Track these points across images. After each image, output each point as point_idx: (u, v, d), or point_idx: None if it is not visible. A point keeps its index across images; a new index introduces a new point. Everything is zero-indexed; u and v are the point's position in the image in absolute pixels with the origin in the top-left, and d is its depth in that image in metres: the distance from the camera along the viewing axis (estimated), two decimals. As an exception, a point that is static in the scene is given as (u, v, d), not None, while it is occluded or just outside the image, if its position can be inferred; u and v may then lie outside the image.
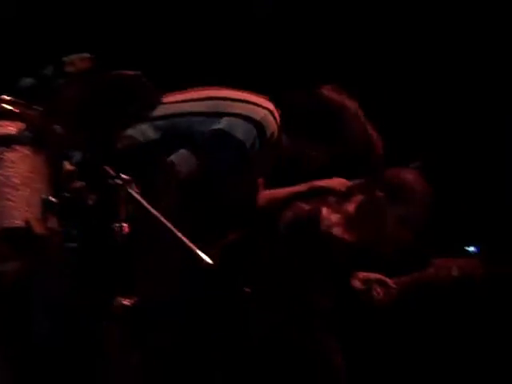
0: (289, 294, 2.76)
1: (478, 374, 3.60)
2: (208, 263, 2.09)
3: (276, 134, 2.59)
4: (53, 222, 2.09)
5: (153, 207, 2.08)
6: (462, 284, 2.97)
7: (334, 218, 2.75)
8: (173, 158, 2.48)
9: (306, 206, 2.74)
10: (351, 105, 2.62)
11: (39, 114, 2.05)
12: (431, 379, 3.59)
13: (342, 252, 2.77)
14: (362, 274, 2.95)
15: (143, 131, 2.54)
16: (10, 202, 2.04)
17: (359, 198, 2.79)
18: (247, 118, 2.54)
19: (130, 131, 2.50)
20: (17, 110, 2.10)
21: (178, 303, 2.56)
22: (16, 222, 2.04)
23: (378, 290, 2.91)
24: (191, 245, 2.12)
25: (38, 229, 2.03)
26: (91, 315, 2.42)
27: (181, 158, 2.49)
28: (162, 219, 2.13)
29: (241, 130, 2.51)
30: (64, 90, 2.06)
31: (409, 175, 2.78)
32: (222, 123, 2.52)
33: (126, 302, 2.12)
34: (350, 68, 3.58)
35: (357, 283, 2.90)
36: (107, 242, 2.11)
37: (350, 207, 2.77)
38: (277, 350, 2.70)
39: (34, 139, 2.08)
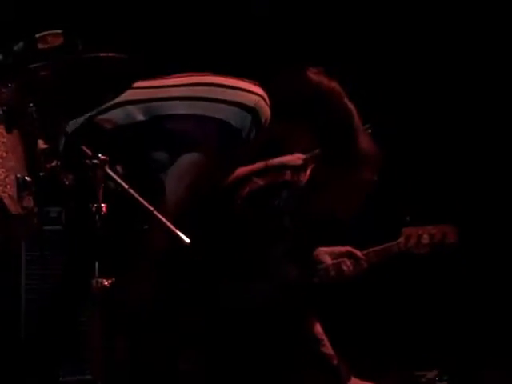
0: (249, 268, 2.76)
1: (451, 343, 3.64)
2: (186, 242, 2.09)
3: (268, 118, 2.58)
4: (28, 201, 2.07)
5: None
6: (434, 252, 2.98)
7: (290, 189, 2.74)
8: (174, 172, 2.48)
9: (261, 181, 2.74)
10: (336, 88, 2.61)
11: (12, 92, 2.01)
12: (405, 351, 3.62)
13: (298, 225, 2.77)
14: (330, 248, 2.95)
15: (129, 113, 2.53)
16: (-16, 181, 2.02)
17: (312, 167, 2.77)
18: (241, 106, 2.53)
19: (115, 112, 2.49)
20: (-12, 88, 2.07)
21: (157, 284, 2.55)
22: (-11, 201, 2.01)
23: (348, 263, 2.91)
24: (170, 224, 2.12)
25: (12, 208, 2.00)
26: (71, 296, 2.41)
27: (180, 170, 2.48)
28: (140, 198, 2.12)
29: (237, 119, 2.51)
30: (37, 67, 2.02)
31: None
32: (217, 111, 2.52)
33: (105, 283, 2.11)
34: (347, 60, 3.60)
35: (325, 257, 2.90)
36: (85, 223, 2.09)
37: (304, 177, 2.73)
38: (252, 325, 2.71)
39: (7, 117, 2.04)
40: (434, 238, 3.00)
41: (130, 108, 2.50)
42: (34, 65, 2.03)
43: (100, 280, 2.13)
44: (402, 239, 2.97)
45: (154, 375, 2.59)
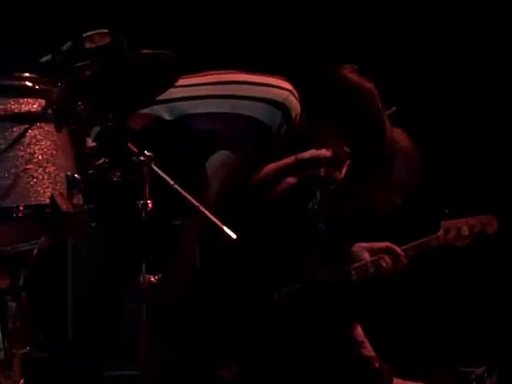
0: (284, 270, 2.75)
1: (489, 331, 3.58)
2: (232, 237, 2.09)
3: (299, 113, 2.57)
4: (78, 199, 2.09)
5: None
6: (474, 244, 2.93)
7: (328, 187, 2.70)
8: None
9: (292, 180, 2.71)
10: (369, 88, 2.58)
11: (61, 91, 2.04)
12: (444, 343, 3.57)
13: (335, 225, 2.74)
14: (369, 244, 2.92)
15: (156, 112, 2.53)
16: (35, 179, 2.02)
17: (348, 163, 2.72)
18: (271, 101, 2.51)
19: (143, 111, 2.49)
20: (38, 87, 2.07)
21: (201, 279, 2.56)
22: (41, 198, 2.02)
23: (387, 259, 2.87)
24: (216, 220, 2.12)
25: (63, 206, 2.02)
26: (118, 292, 2.43)
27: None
28: (186, 194, 2.13)
29: (266, 115, 2.49)
30: (84, 67, 2.05)
31: (396, 136, 2.70)
32: (245, 108, 2.50)
33: (152, 279, 2.12)
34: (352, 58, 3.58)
35: (364, 254, 2.87)
36: (132, 219, 2.11)
37: (339, 175, 2.67)
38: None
39: (57, 116, 2.07)
40: (473, 230, 2.97)
41: (156, 108, 2.51)
42: (82, 63, 2.05)
43: (147, 276, 2.15)
44: (441, 232, 2.96)
45: (193, 374, 2.60)
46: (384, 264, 2.85)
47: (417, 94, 3.67)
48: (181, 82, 2.50)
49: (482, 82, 3.77)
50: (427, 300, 3.73)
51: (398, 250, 2.90)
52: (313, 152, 2.66)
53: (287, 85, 2.57)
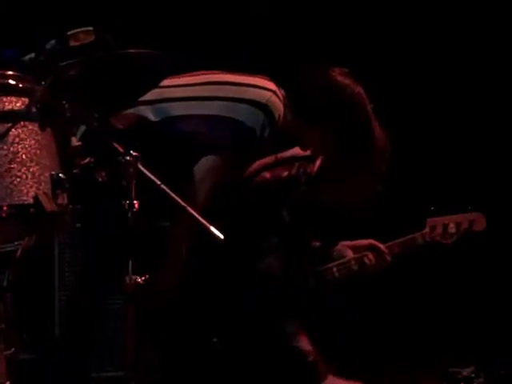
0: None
1: (476, 331, 3.58)
2: (219, 237, 2.09)
3: (282, 114, 2.56)
4: (62, 199, 2.07)
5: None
6: (462, 241, 2.91)
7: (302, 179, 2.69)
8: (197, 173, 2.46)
9: (267, 175, 2.69)
10: (361, 93, 2.57)
11: (44, 90, 2.02)
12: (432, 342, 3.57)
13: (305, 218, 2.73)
14: (353, 242, 2.90)
15: (142, 113, 2.51)
16: (19, 179, 2.01)
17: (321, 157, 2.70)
18: (253, 103, 2.51)
19: (128, 111, 2.48)
20: (22, 86, 2.07)
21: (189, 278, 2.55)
22: (24, 198, 2.01)
23: (370, 256, 2.85)
24: (202, 219, 2.12)
25: (47, 205, 2.00)
26: (104, 293, 2.42)
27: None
28: (173, 194, 2.12)
29: (251, 117, 2.49)
30: (68, 65, 2.03)
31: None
32: (229, 110, 2.50)
33: (139, 280, 2.11)
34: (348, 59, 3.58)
35: (347, 251, 2.85)
36: (118, 219, 2.09)
37: (314, 168, 2.67)
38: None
39: (41, 115, 2.05)
40: (460, 227, 2.94)
41: (142, 108, 2.50)
42: (66, 62, 2.04)
43: (133, 277, 2.14)
44: (426, 229, 2.91)
45: (183, 373, 2.59)
46: (367, 261, 2.83)
47: (403, 91, 3.67)
48: (165, 82, 2.49)
49: (467, 77, 3.78)
50: (415, 300, 3.73)
51: (382, 247, 2.87)
52: (293, 151, 2.68)
53: (270, 85, 2.57)
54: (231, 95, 2.52)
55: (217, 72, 2.63)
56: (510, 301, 3.61)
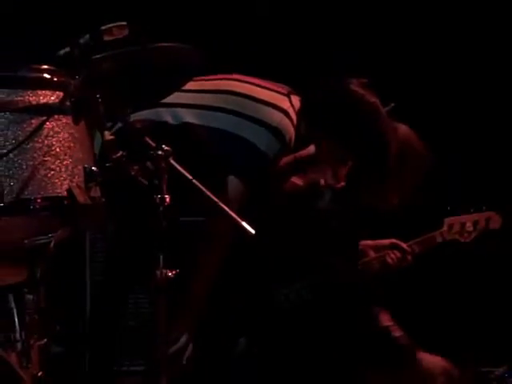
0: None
1: (509, 330, 3.54)
2: (251, 233, 2.09)
3: (293, 136, 2.55)
4: (95, 192, 2.09)
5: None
6: (479, 240, 2.92)
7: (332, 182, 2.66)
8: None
9: (299, 181, 2.66)
10: (374, 102, 2.54)
11: (78, 84, 2.03)
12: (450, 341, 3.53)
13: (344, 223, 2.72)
14: (375, 241, 2.90)
15: (161, 115, 2.51)
16: (52, 172, 2.02)
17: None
18: (266, 125, 2.49)
19: (145, 113, 2.47)
20: (56, 80, 2.08)
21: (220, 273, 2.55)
22: (58, 190, 2.02)
23: (392, 255, 2.86)
24: (235, 215, 2.12)
25: (80, 198, 2.02)
26: (133, 287, 2.43)
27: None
28: (205, 190, 2.12)
29: (264, 141, 2.47)
30: (102, 60, 2.04)
31: (401, 130, 2.66)
32: (242, 129, 2.48)
33: (170, 274, 2.12)
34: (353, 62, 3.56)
35: (369, 251, 2.85)
36: (150, 214, 2.10)
37: (344, 171, 2.63)
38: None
39: (75, 109, 2.07)
40: (477, 225, 2.98)
41: (161, 110, 2.51)
42: (100, 56, 2.05)
43: (164, 271, 2.14)
44: (445, 228, 2.97)
45: (209, 373, 2.59)
46: (390, 260, 2.85)
47: (422, 91, 3.65)
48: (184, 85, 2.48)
49: (484, 77, 3.74)
50: (447, 298, 3.71)
51: (404, 245, 2.89)
52: (310, 149, 2.64)
53: (284, 102, 2.54)
54: (245, 111, 2.50)
55: (234, 77, 2.61)
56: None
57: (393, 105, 2.62)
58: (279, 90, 2.62)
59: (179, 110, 2.55)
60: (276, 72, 2.66)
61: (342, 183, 2.58)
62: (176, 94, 2.46)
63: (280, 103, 2.55)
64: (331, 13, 3.78)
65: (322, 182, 2.61)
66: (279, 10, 3.78)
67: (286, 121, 2.53)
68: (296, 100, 2.62)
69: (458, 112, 3.81)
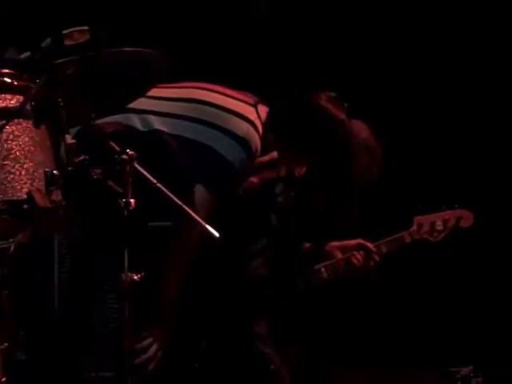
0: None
1: (475, 330, 3.55)
2: (215, 236, 2.10)
3: (259, 145, 2.58)
4: (56, 195, 2.09)
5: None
6: (450, 238, 2.90)
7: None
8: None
9: (255, 179, 2.68)
10: (342, 119, 2.55)
11: (39, 87, 2.03)
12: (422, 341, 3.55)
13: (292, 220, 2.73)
14: (341, 242, 2.89)
15: (131, 120, 2.52)
16: (12, 175, 2.03)
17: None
18: (232, 135, 2.52)
19: (116, 117, 2.47)
20: (17, 83, 2.08)
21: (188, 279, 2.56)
22: (18, 194, 2.03)
23: (358, 256, 2.84)
24: (198, 218, 2.13)
25: (40, 201, 2.02)
26: (98, 292, 2.43)
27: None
28: (169, 193, 2.13)
29: (230, 151, 2.50)
30: (63, 64, 2.04)
31: (356, 128, 2.65)
32: (212, 140, 2.50)
33: (135, 277, 2.12)
34: (347, 69, 3.58)
35: (335, 252, 2.84)
36: (114, 217, 2.11)
37: (300, 172, 2.63)
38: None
39: (35, 112, 2.07)
40: (447, 224, 2.93)
41: (131, 115, 2.52)
42: (61, 60, 2.05)
43: (129, 274, 2.14)
44: (414, 227, 2.91)
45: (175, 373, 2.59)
46: (355, 261, 2.82)
47: (394, 90, 3.67)
48: (154, 92, 2.48)
49: (452, 72, 3.76)
50: (413, 299, 3.71)
51: (370, 246, 2.87)
52: (272, 155, 2.66)
53: (251, 112, 2.57)
54: (213, 121, 2.52)
55: (203, 86, 2.62)
56: (509, 300, 3.59)
57: (346, 105, 2.64)
58: (246, 99, 2.64)
59: (149, 116, 2.57)
60: (246, 80, 2.69)
61: (301, 172, 2.58)
62: (145, 100, 2.49)
63: (247, 113, 2.58)
64: (313, 22, 3.82)
65: (283, 172, 2.63)
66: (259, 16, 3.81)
67: (252, 131, 2.56)
68: (263, 110, 2.64)
69: (433, 108, 3.85)
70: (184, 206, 2.15)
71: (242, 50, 3.62)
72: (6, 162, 2.01)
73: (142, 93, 2.35)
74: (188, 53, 3.49)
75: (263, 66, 3.60)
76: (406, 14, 3.73)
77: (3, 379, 2.15)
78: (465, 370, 3.08)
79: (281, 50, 3.63)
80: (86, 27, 2.09)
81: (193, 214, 2.14)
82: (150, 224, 2.60)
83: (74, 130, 2.22)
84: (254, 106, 2.60)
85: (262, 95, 2.68)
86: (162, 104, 2.57)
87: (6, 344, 2.09)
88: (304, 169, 2.58)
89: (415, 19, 3.73)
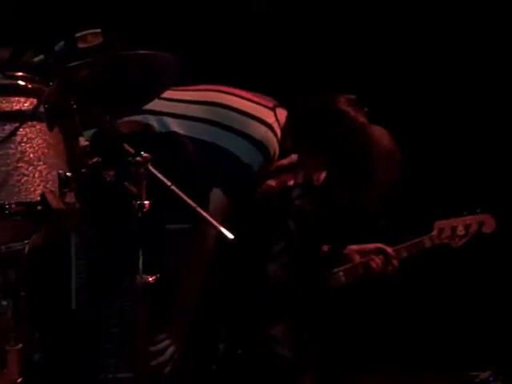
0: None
1: (495, 335, 3.51)
2: (230, 237, 2.09)
3: (277, 149, 2.57)
4: (70, 197, 2.10)
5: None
6: (471, 243, 2.85)
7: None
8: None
9: (273, 183, 2.67)
10: (361, 123, 2.53)
11: (52, 90, 2.05)
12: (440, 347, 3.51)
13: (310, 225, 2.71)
14: (360, 246, 2.86)
15: (148, 121, 2.52)
16: (26, 177, 2.04)
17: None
18: (250, 138, 2.51)
19: (134, 118, 2.48)
20: (30, 86, 2.09)
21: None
22: (31, 196, 2.04)
23: (377, 260, 2.81)
24: (213, 220, 2.12)
25: (54, 203, 2.03)
26: (115, 293, 2.44)
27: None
28: (183, 196, 2.13)
29: (248, 155, 2.49)
30: (76, 67, 2.06)
31: (376, 135, 2.63)
32: (230, 143, 2.50)
33: (149, 279, 2.12)
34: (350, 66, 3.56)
35: (354, 255, 2.81)
36: (127, 219, 2.11)
37: (320, 177, 2.62)
38: None
39: (49, 115, 2.09)
40: (469, 229, 2.88)
41: (149, 117, 2.52)
42: (74, 63, 2.07)
43: (144, 276, 2.15)
44: (434, 232, 2.87)
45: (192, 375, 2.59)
46: (374, 265, 2.79)
47: (412, 94, 3.65)
48: (169, 94, 2.52)
49: (473, 79, 3.73)
50: (433, 303, 3.68)
51: (390, 251, 2.83)
52: (291, 159, 2.65)
53: (269, 116, 2.56)
54: (230, 124, 2.52)
55: (221, 88, 2.62)
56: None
57: (366, 109, 2.62)
58: (265, 103, 2.64)
59: (166, 118, 2.57)
60: (264, 83, 2.69)
61: (321, 177, 2.58)
62: (162, 102, 2.51)
63: (265, 117, 2.57)
64: (324, 25, 3.81)
65: (291, 182, 2.63)
66: (269, 18, 3.81)
67: (271, 135, 2.55)
68: (281, 114, 2.63)
69: (453, 112, 3.81)
70: (198, 208, 2.15)
71: (261, 54, 3.63)
72: (19, 165, 2.03)
73: (154, 96, 2.36)
74: (203, 55, 3.50)
75: (281, 68, 3.60)
76: (406, 14, 3.71)
77: (19, 380, 2.17)
78: (484, 374, 3.04)
79: (297, 52, 3.64)
80: (98, 30, 2.11)
81: (206, 216, 2.14)
82: (168, 226, 2.61)
83: (89, 133, 2.25)
84: (273, 109, 2.60)
85: (280, 98, 2.68)
86: (178, 106, 2.58)
87: (22, 345, 2.11)
88: (322, 173, 2.57)
89: (415, 20, 3.71)
